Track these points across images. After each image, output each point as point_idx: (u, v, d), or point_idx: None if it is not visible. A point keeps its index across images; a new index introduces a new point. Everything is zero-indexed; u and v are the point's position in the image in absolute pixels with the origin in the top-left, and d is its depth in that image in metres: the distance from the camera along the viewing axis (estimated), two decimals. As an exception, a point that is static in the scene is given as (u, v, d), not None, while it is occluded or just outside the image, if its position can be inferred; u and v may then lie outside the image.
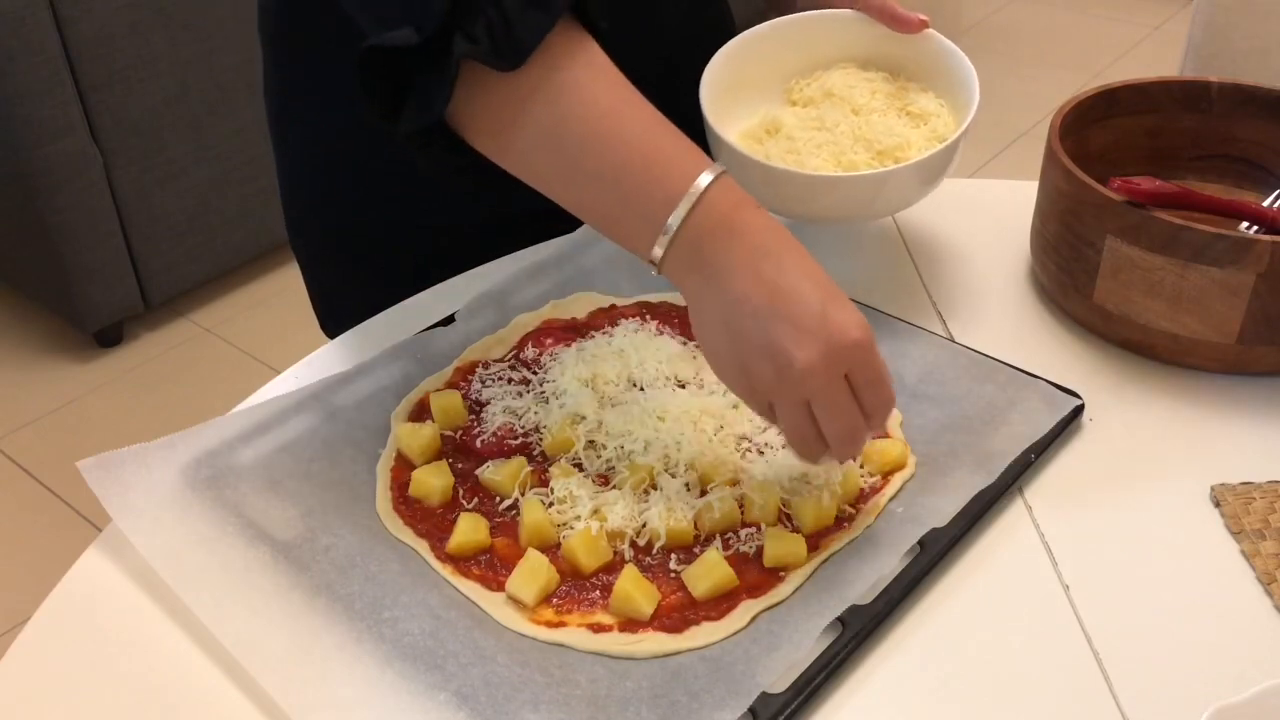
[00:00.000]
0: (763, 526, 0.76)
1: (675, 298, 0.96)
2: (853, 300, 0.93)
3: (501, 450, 0.83)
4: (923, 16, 0.97)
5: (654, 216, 0.71)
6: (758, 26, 1.02)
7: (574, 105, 0.73)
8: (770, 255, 0.70)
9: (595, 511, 0.76)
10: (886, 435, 0.82)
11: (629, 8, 1.02)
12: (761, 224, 0.72)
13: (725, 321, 0.71)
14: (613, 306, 0.96)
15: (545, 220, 1.00)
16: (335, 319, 1.18)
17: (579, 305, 0.96)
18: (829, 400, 0.70)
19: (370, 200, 1.08)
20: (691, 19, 1.10)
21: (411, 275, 1.03)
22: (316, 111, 1.06)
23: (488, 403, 0.86)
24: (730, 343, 0.71)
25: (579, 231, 1.03)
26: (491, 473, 0.80)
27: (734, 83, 1.00)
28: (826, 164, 0.94)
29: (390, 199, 1.07)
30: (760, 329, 0.69)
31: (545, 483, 0.80)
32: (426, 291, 1.01)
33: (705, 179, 0.71)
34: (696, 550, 0.75)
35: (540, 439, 0.83)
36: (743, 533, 0.76)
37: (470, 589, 0.74)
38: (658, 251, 0.72)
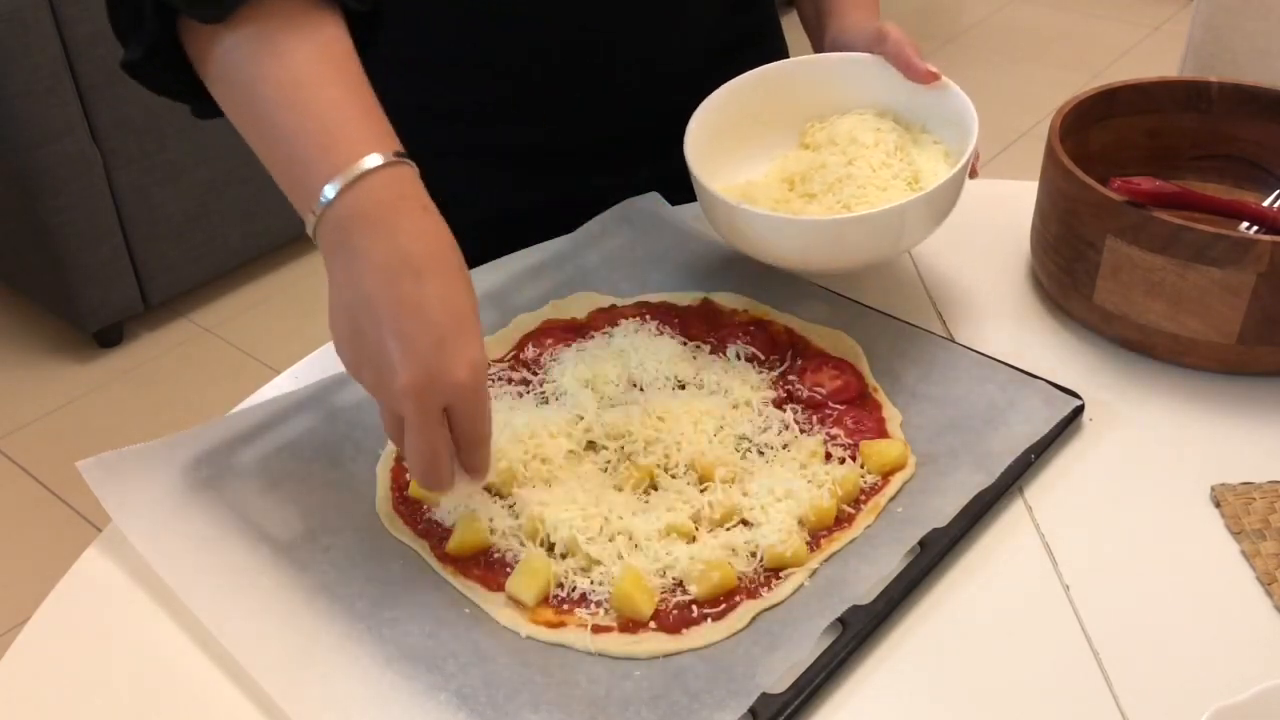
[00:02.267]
0: (762, 526, 0.76)
1: (675, 297, 0.96)
2: (854, 301, 0.95)
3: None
4: (933, 69, 0.95)
5: (313, 187, 0.70)
6: (774, 65, 1.01)
7: (271, 68, 0.72)
8: (411, 266, 0.68)
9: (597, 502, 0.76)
10: (477, 473, 0.75)
11: (650, 13, 1.02)
12: (417, 229, 0.70)
13: (349, 313, 0.70)
14: (613, 306, 0.96)
15: (570, 209, 1.00)
16: None
17: (579, 305, 0.96)
18: (417, 425, 0.68)
19: None
20: (723, 28, 1.10)
21: None
22: None
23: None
24: (349, 334, 0.70)
25: (579, 231, 1.03)
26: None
27: (744, 122, 0.99)
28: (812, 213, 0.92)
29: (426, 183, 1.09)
30: (378, 336, 0.68)
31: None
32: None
33: (371, 162, 0.69)
34: (697, 550, 0.75)
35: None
36: (743, 533, 0.76)
37: (470, 589, 0.74)
38: (310, 220, 0.71)
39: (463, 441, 0.71)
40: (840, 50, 1.01)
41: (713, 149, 0.96)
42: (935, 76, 0.95)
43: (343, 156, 0.70)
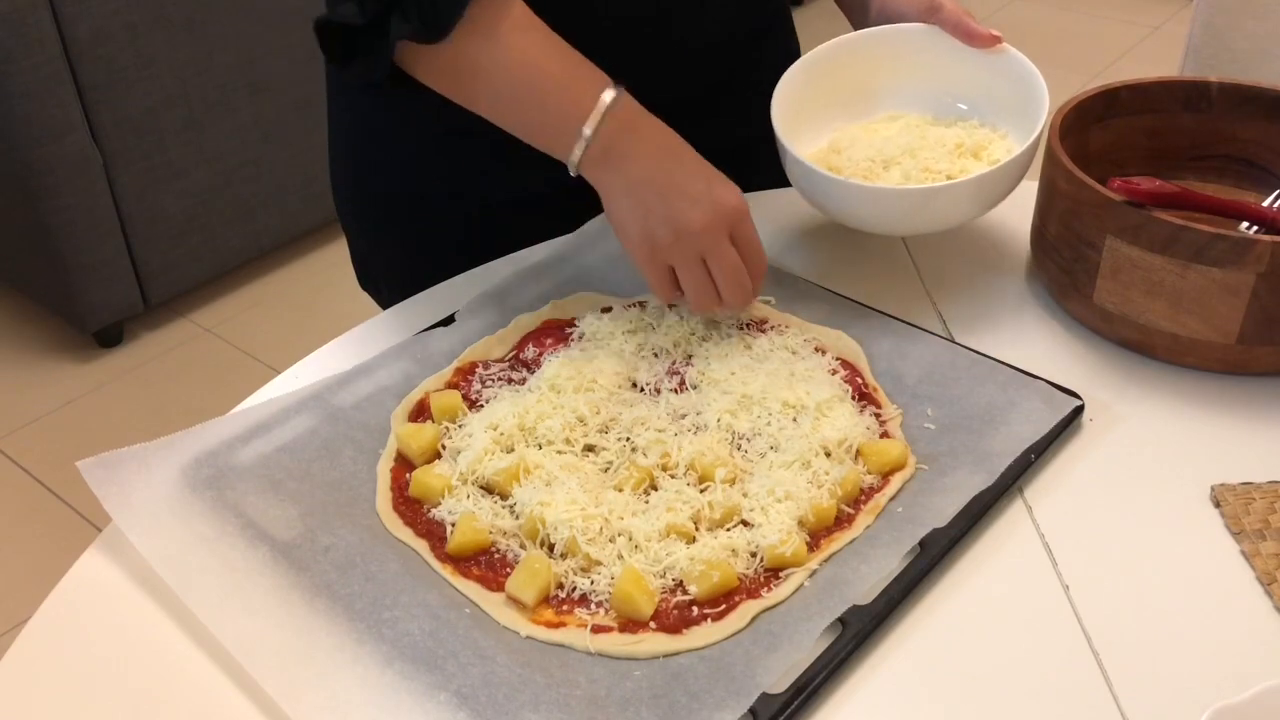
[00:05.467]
0: (762, 526, 0.76)
1: (675, 298, 0.96)
2: (854, 301, 0.95)
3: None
4: (995, 32, 0.98)
5: (572, 129, 0.88)
6: (830, 42, 1.03)
7: (498, 59, 0.90)
8: (666, 149, 0.90)
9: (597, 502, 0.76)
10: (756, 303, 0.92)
11: (674, 3, 1.03)
12: (654, 128, 0.91)
13: (632, 199, 0.88)
14: (612, 307, 0.96)
15: (574, 197, 1.01)
16: (372, 281, 1.21)
17: (579, 305, 0.96)
18: (719, 253, 0.87)
19: (409, 169, 1.10)
20: (740, 20, 1.11)
21: (445, 245, 1.04)
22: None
23: (488, 403, 0.86)
24: (638, 216, 0.88)
25: (579, 232, 1.03)
26: (492, 472, 0.80)
27: (805, 97, 1.01)
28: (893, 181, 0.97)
29: (429, 169, 1.09)
30: (661, 202, 0.87)
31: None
32: (426, 291, 1.01)
33: (609, 95, 0.88)
34: (697, 550, 0.75)
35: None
36: (743, 533, 0.76)
37: (470, 589, 0.74)
38: (576, 154, 0.88)
39: (751, 262, 0.89)
40: (889, 21, 1.03)
41: (791, 118, 0.99)
42: (997, 39, 0.99)
43: (588, 102, 0.88)
